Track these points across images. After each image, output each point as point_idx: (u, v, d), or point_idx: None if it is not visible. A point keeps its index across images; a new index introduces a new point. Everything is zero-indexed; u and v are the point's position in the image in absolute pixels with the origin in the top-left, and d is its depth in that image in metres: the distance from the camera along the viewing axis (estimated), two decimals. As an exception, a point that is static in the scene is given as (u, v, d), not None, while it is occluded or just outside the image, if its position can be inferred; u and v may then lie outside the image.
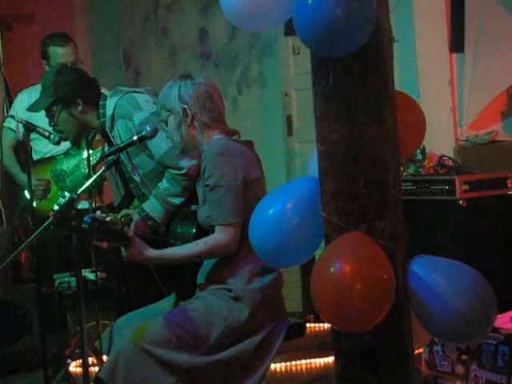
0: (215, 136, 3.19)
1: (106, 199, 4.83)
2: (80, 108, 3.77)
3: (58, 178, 4.77)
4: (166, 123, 3.24)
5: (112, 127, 3.74)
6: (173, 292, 3.38)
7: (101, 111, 3.77)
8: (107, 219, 3.00)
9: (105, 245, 3.05)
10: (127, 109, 3.71)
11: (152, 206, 3.65)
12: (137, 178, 3.80)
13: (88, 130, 3.92)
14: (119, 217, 3.66)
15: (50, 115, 3.83)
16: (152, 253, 3.10)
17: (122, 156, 3.71)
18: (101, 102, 3.78)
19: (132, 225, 3.32)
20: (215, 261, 3.16)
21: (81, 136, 3.93)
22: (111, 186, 4.67)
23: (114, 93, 3.81)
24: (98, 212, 3.03)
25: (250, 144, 3.28)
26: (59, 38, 4.87)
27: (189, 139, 3.22)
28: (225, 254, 3.11)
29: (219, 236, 3.07)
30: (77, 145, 4.11)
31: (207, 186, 3.10)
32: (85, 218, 2.96)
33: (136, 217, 3.65)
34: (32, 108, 3.95)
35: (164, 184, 3.65)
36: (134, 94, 3.78)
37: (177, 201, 3.63)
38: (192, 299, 3.21)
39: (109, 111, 3.74)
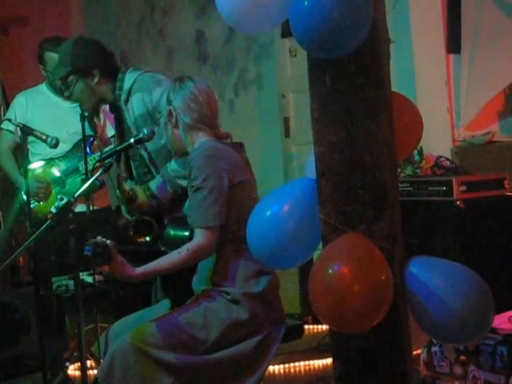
0: (200, 138, 3.20)
1: (104, 202, 4.82)
2: (96, 79, 3.83)
3: (56, 180, 4.76)
4: (159, 125, 3.31)
5: (127, 100, 3.80)
6: (169, 297, 3.36)
7: (118, 84, 3.83)
8: (107, 242, 2.97)
9: (106, 268, 3.02)
10: (148, 83, 3.80)
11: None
12: (145, 154, 3.82)
13: (102, 102, 3.96)
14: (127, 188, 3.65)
15: (65, 85, 3.88)
16: (135, 271, 3.04)
17: (133, 128, 3.76)
18: (119, 76, 3.84)
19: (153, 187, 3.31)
20: (210, 265, 3.15)
21: (97, 107, 3.99)
22: (109, 188, 4.67)
23: (133, 69, 3.90)
24: (99, 237, 3.01)
25: (239, 146, 3.27)
26: (56, 44, 4.74)
27: (173, 140, 3.26)
28: (205, 257, 3.10)
29: (200, 239, 3.06)
30: (94, 114, 4.13)
31: (192, 187, 3.10)
32: (86, 246, 2.94)
33: (141, 194, 3.65)
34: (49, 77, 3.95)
35: (173, 165, 3.64)
36: (155, 73, 3.89)
37: (184, 182, 3.62)
38: (189, 302, 3.20)
39: (127, 84, 3.81)
